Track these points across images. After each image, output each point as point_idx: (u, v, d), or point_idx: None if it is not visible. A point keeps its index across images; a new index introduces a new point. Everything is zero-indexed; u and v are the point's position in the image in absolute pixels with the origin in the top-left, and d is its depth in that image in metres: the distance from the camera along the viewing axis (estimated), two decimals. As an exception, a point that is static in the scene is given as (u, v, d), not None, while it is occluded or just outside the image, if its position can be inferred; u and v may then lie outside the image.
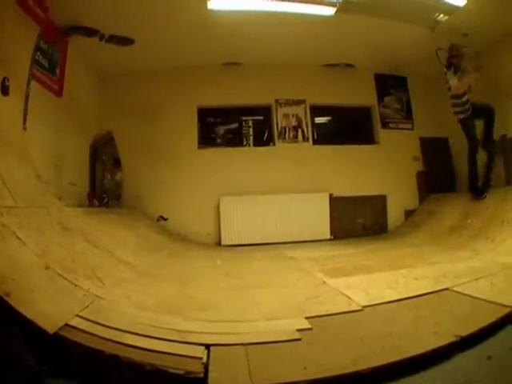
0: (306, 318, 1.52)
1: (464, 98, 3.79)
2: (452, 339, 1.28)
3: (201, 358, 1.07)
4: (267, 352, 1.21)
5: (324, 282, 2.23)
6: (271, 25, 3.82)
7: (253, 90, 4.52)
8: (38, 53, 3.16)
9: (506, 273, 2.02)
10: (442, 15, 3.69)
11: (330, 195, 4.50)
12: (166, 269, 2.75)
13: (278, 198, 4.38)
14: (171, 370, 0.97)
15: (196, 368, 1.01)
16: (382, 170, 4.66)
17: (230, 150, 4.59)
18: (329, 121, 5.08)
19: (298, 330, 1.37)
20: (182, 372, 0.95)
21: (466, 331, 1.32)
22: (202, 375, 0.99)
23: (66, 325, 1.20)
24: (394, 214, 4.70)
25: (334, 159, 4.61)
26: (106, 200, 4.22)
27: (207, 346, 1.15)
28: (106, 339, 1.16)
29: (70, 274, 1.69)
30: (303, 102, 4.63)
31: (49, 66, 3.36)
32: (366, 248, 3.63)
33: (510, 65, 3.92)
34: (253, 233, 4.31)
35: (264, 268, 2.97)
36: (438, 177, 4.73)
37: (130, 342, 1.14)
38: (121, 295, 1.75)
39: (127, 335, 1.19)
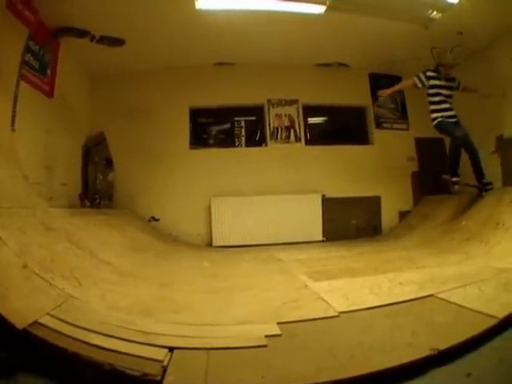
0: (279, 323, 1.43)
1: None
2: (428, 353, 1.13)
3: (161, 361, 1.04)
4: (229, 358, 1.14)
5: (306, 286, 2.11)
6: (261, 24, 3.71)
7: (245, 90, 4.40)
8: (29, 54, 3.13)
9: (497, 278, 1.85)
10: (435, 12, 3.52)
11: (323, 196, 4.36)
12: (148, 270, 2.63)
13: (269, 198, 4.25)
14: (128, 371, 0.96)
15: (153, 370, 0.98)
16: (376, 170, 4.50)
17: (222, 150, 4.47)
18: (322, 121, 4.93)
19: (267, 336, 1.28)
20: (138, 374, 0.94)
21: (444, 344, 1.18)
22: (158, 378, 0.96)
23: (36, 322, 1.20)
24: (389, 216, 4.53)
25: (327, 160, 4.47)
26: (97, 200, 4.14)
27: (171, 349, 1.11)
28: (72, 338, 1.15)
29: (48, 273, 1.65)
30: (296, 102, 4.49)
31: (39, 67, 3.31)
32: (357, 250, 3.48)
33: (506, 64, 3.74)
34: (244, 234, 4.18)
35: (249, 270, 2.85)
36: (433, 178, 4.54)
37: (94, 342, 1.12)
38: (95, 295, 1.68)
39: (93, 335, 1.17)
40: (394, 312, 1.56)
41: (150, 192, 4.23)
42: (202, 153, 4.38)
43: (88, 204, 3.94)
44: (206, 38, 3.94)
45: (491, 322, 1.32)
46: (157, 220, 4.23)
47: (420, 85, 3.58)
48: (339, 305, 1.65)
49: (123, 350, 1.07)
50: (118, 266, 2.45)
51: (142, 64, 4.21)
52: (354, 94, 4.63)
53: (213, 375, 1.02)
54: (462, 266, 2.32)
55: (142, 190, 4.22)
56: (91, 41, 3.68)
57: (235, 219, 4.17)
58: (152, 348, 1.12)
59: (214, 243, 4.18)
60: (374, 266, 2.60)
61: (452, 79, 3.60)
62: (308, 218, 4.27)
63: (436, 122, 3.55)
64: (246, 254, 3.57)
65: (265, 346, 1.21)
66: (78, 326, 1.22)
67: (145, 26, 3.63)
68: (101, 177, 4.21)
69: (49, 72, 3.48)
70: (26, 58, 3.10)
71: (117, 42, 3.78)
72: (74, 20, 3.46)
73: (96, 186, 4.19)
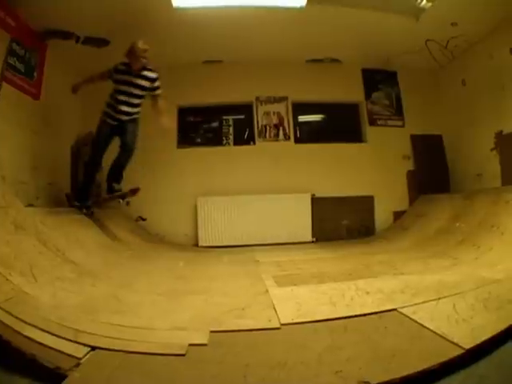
0: (213, 331, 1.30)
1: None
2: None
3: (79, 358, 1.05)
4: (140, 363, 1.07)
5: (266, 291, 1.89)
6: (244, 20, 3.48)
7: (233, 88, 4.16)
8: (14, 58, 3.10)
9: (479, 292, 1.54)
10: (424, 1, 3.16)
11: (312, 196, 4.06)
12: (115, 270, 2.47)
13: (257, 198, 3.99)
14: (45, 363, 1.00)
15: (66, 365, 1.00)
16: (370, 169, 4.16)
17: (210, 149, 4.24)
18: (313, 118, 4.61)
19: (191, 345, 1.17)
20: (52, 366, 0.99)
21: (378, 378, 0.91)
22: (68, 373, 0.98)
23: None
24: (382, 216, 4.17)
25: (317, 158, 4.16)
26: (86, 200, 4.00)
27: (93, 348, 1.11)
28: (10, 328, 1.18)
29: (7, 269, 1.63)
30: (285, 99, 4.20)
31: (25, 70, 3.25)
32: (343, 252, 3.19)
33: (504, 55, 3.33)
34: (231, 234, 3.95)
35: (220, 272, 2.62)
36: (430, 176, 4.17)
37: (27, 334, 1.16)
38: (47, 293, 1.63)
39: (29, 327, 1.20)
40: (342, 328, 1.31)
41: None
42: (190, 152, 4.17)
43: (76, 203, 3.81)
44: (193, 36, 3.74)
45: (452, 354, 1.03)
46: (144, 219, 4.06)
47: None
48: (287, 315, 1.45)
49: (49, 344, 1.11)
50: (82, 265, 2.33)
51: (129, 63, 4.04)
52: (346, 90, 4.29)
53: (116, 377, 0.99)
54: (445, 273, 2.00)
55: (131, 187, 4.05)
56: (76, 42, 3.61)
57: (222, 219, 3.95)
58: (75, 345, 1.12)
59: (200, 243, 3.96)
60: (350, 270, 2.31)
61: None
62: (297, 218, 3.98)
63: None
64: (227, 255, 3.34)
65: (183, 355, 1.11)
66: (19, 319, 1.25)
67: (127, 26, 3.46)
68: (90, 176, 4.07)
69: (35, 74, 3.42)
70: (11, 62, 3.06)
71: (101, 42, 3.67)
72: (59, 23, 3.38)
73: (85, 186, 4.05)
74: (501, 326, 1.14)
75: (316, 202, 4.07)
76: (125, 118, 3.13)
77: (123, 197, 3.35)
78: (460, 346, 1.06)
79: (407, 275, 2.05)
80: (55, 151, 3.78)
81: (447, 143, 4.29)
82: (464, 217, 3.08)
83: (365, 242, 3.83)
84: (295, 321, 1.40)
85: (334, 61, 4.25)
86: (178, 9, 3.25)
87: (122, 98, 3.07)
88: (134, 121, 3.21)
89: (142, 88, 3.10)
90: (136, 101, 3.13)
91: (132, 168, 4.05)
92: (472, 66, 3.86)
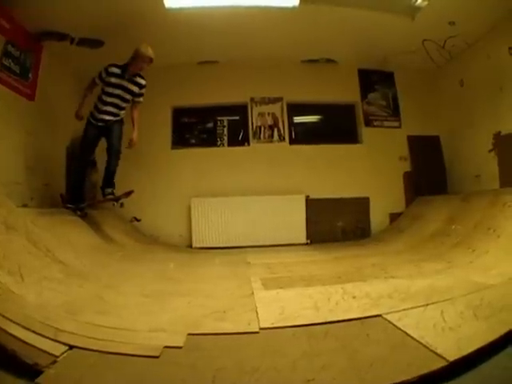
0: (190, 334, 1.25)
1: None
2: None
3: (57, 356, 1.06)
4: (114, 363, 1.06)
5: (251, 294, 1.82)
6: (238, 21, 3.41)
7: (228, 89, 4.09)
8: (10, 60, 3.10)
9: (470, 299, 1.44)
10: (420, 0, 3.07)
11: (307, 197, 3.96)
12: (103, 271, 2.41)
13: (251, 199, 3.90)
14: (24, 358, 1.02)
15: (44, 362, 1.02)
16: (366, 170, 4.06)
17: (204, 150, 4.16)
18: (308, 119, 4.51)
19: (166, 347, 1.14)
20: (30, 362, 1.01)
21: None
22: (44, 369, 1.00)
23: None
24: (378, 218, 4.06)
25: (312, 159, 4.07)
26: (81, 200, 3.95)
27: (71, 347, 1.12)
28: None
29: None
30: (280, 99, 4.12)
31: (21, 71, 3.24)
32: (336, 254, 3.08)
33: (503, 55, 3.22)
34: (225, 236, 3.87)
35: (209, 274, 2.55)
36: (427, 178, 4.05)
37: (11, 331, 1.16)
38: (33, 292, 1.61)
39: (13, 325, 1.20)
40: (322, 333, 1.23)
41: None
42: (184, 153, 4.10)
43: (69, 205, 3.76)
44: (188, 37, 3.69)
45: (435, 365, 0.94)
46: (138, 220, 3.99)
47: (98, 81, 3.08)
48: (268, 319, 1.38)
49: (30, 341, 1.12)
50: (72, 265, 2.29)
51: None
52: (342, 90, 4.20)
53: (88, 376, 0.99)
54: (437, 277, 1.91)
55: (124, 191, 3.99)
56: (71, 43, 3.58)
57: (216, 220, 3.87)
58: (55, 343, 1.13)
59: (194, 245, 3.88)
60: (341, 273, 2.22)
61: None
62: (291, 219, 3.89)
63: None
64: (219, 257, 3.26)
65: (156, 357, 1.08)
66: (4, 316, 1.24)
67: (121, 28, 3.44)
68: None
69: (30, 76, 3.40)
70: (7, 64, 3.06)
71: (96, 43, 3.63)
72: (54, 24, 3.35)
73: (80, 187, 4.00)
74: (490, 337, 1.04)
75: (311, 203, 3.98)
76: (111, 119, 3.11)
77: (117, 199, 3.30)
78: (444, 358, 0.97)
79: (398, 279, 1.95)
80: (50, 152, 3.73)
81: (445, 144, 4.18)
82: (460, 219, 2.97)
83: (360, 244, 3.72)
84: (275, 325, 1.33)
85: (330, 61, 4.17)
86: (170, 9, 3.19)
87: (111, 100, 3.05)
88: (120, 122, 3.19)
89: (132, 93, 3.10)
90: (124, 104, 3.13)
91: (126, 169, 4.01)
92: (470, 67, 3.75)
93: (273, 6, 3.17)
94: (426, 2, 3.07)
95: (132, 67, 2.98)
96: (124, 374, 1.00)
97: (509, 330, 1.03)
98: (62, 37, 3.47)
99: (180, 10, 3.30)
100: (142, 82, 3.11)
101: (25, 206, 3.20)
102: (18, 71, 3.19)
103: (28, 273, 1.77)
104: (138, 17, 3.34)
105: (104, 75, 3.02)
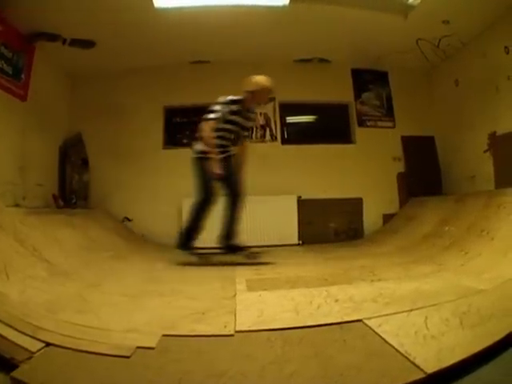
0: (165, 335, 1.21)
1: None
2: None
3: (33, 352, 1.08)
4: (85, 362, 1.05)
5: (234, 296, 1.74)
6: (230, 20, 3.34)
7: (221, 89, 3.93)
8: (2, 61, 3.09)
9: (458, 304, 1.34)
10: (412, -2, 2.98)
11: (298, 198, 3.86)
12: (89, 270, 2.36)
13: (243, 199, 3.80)
14: (1, 352, 1.05)
15: (20, 357, 1.05)
16: (359, 171, 3.96)
17: (196, 149, 4.08)
18: (300, 119, 4.41)
19: (139, 348, 1.12)
20: (8, 356, 1.04)
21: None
22: (20, 364, 1.02)
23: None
24: (371, 219, 3.96)
25: (305, 160, 3.97)
26: (73, 200, 3.88)
27: (48, 344, 1.13)
28: None
29: None
30: (272, 99, 4.03)
31: (13, 72, 3.22)
32: (326, 256, 2.99)
33: (499, 54, 3.12)
34: (216, 236, 3.75)
35: (194, 274, 2.47)
36: (421, 179, 3.95)
37: None
38: (16, 290, 1.62)
39: None
40: (297, 338, 1.15)
41: (124, 192, 3.93)
42: (176, 152, 3.99)
43: (62, 204, 3.69)
44: (180, 37, 3.61)
45: (411, 377, 0.85)
46: (130, 220, 3.91)
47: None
48: (245, 322, 1.32)
49: (9, 337, 1.14)
50: (57, 264, 2.27)
51: (116, 64, 3.92)
52: (335, 90, 4.11)
53: (58, 373, 1.00)
54: (425, 281, 1.80)
55: (117, 190, 3.92)
56: (63, 44, 3.53)
57: (207, 221, 3.75)
58: (32, 340, 1.15)
59: (185, 245, 3.78)
60: (328, 275, 2.13)
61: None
62: (283, 220, 3.79)
63: None
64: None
65: (127, 357, 1.06)
66: None
67: (111, 28, 3.38)
68: (77, 177, 3.95)
69: (23, 76, 3.37)
70: (0, 65, 3.05)
71: (87, 44, 3.58)
72: (47, 25, 3.31)
73: (72, 187, 3.93)
74: (474, 349, 0.94)
75: (303, 203, 3.88)
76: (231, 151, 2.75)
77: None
78: (421, 369, 0.87)
79: (385, 282, 1.85)
80: (43, 152, 3.67)
81: (439, 145, 4.08)
82: (454, 220, 2.87)
83: (352, 245, 3.63)
84: (251, 328, 1.26)
85: (323, 61, 4.08)
86: (159, 9, 3.11)
87: (234, 128, 2.71)
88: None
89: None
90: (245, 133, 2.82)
91: (118, 170, 3.95)
92: (465, 66, 3.66)
93: (262, 4, 3.08)
94: (418, 1, 2.98)
95: (253, 102, 2.70)
96: (93, 373, 0.99)
97: (494, 342, 0.92)
98: (53, 37, 3.43)
99: (170, 9, 3.22)
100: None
101: (17, 205, 3.16)
102: (10, 72, 3.18)
103: (13, 271, 1.78)
104: (127, 17, 3.27)
105: (231, 105, 2.68)
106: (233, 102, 2.66)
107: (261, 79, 2.68)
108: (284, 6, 3.05)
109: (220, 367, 0.99)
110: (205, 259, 2.83)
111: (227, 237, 2.74)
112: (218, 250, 2.83)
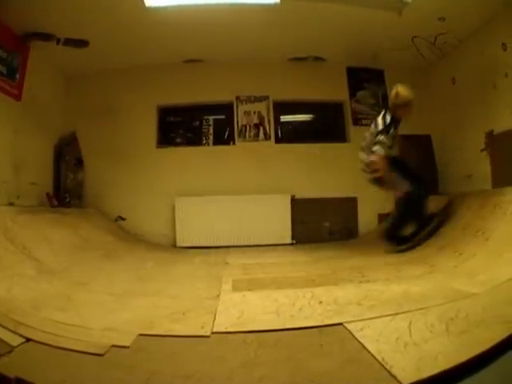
0: (141, 334, 1.21)
1: None
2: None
3: (14, 347, 1.10)
4: (61, 358, 1.06)
5: (217, 296, 1.70)
6: (222, 18, 3.24)
7: (214, 88, 3.93)
8: None
9: (446, 309, 1.25)
10: (405, -6, 2.88)
11: (292, 197, 3.77)
12: (77, 269, 2.32)
13: (236, 199, 3.73)
14: None
15: (1, 351, 1.06)
16: (353, 170, 3.80)
17: (189, 149, 3.99)
18: (295, 118, 4.32)
19: (114, 346, 1.12)
20: None
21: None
22: (1, 357, 1.04)
23: None
24: (366, 218, 3.86)
25: (298, 159, 3.88)
26: (67, 199, 3.82)
27: (28, 340, 1.15)
28: None
29: None
30: (266, 98, 3.94)
31: (8, 72, 3.19)
32: (318, 256, 2.91)
33: (496, 51, 3.01)
34: (209, 235, 3.69)
35: (183, 274, 2.43)
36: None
37: None
38: (3, 288, 1.63)
39: None
40: (273, 341, 1.10)
41: (117, 191, 3.86)
42: (169, 152, 3.94)
43: (56, 203, 3.63)
44: (173, 36, 3.52)
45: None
46: (123, 219, 3.84)
47: None
48: (223, 323, 1.29)
49: None
50: (46, 263, 2.26)
51: (109, 64, 3.85)
52: (330, 88, 4.01)
53: (35, 367, 1.00)
54: (416, 283, 1.72)
55: (110, 189, 3.85)
56: (57, 43, 3.47)
57: (200, 220, 3.69)
58: (14, 335, 1.16)
59: (178, 244, 3.72)
60: (315, 276, 2.06)
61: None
62: (276, 219, 3.70)
63: None
64: (200, 257, 3.10)
65: (101, 354, 1.07)
66: None
67: (104, 27, 3.30)
68: (71, 176, 3.89)
69: (18, 76, 3.33)
70: None
71: (81, 43, 3.52)
72: (40, 25, 3.25)
73: (66, 186, 3.87)
74: (458, 358, 0.85)
75: (297, 203, 3.79)
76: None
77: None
78: (397, 380, 0.79)
79: (373, 283, 1.77)
80: (37, 151, 3.62)
81: (436, 143, 3.97)
82: (449, 220, 2.77)
83: (346, 244, 3.54)
84: (228, 330, 1.22)
85: (318, 59, 3.98)
86: (150, 8, 3.04)
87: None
88: None
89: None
90: None
91: (112, 169, 3.89)
92: (462, 64, 3.54)
93: (254, 3, 3.00)
94: (412, -4, 2.88)
95: (401, 113, 2.81)
96: (64, 369, 0.99)
97: (481, 352, 0.83)
98: (47, 37, 3.38)
99: (161, 8, 3.15)
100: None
101: (11, 204, 3.11)
102: (5, 72, 3.15)
103: (1, 269, 1.80)
104: (120, 16, 3.21)
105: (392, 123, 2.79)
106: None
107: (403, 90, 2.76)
108: (276, 4, 2.96)
109: (189, 369, 0.96)
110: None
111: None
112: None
